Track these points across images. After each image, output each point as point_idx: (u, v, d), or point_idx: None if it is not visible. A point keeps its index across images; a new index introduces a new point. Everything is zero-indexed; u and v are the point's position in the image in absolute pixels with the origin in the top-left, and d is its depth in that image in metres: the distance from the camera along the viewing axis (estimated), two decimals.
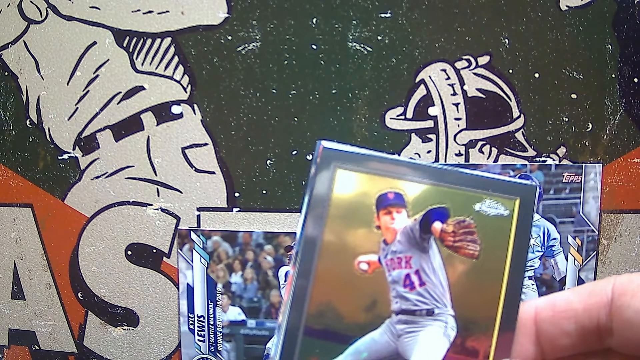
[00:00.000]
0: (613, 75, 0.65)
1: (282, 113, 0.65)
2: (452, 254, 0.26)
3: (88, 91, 0.66)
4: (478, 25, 0.63)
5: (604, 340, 0.24)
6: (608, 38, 0.64)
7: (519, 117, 0.65)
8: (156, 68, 0.65)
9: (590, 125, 0.65)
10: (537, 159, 0.66)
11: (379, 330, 0.25)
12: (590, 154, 0.66)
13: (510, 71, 0.64)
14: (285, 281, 0.67)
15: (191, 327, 0.68)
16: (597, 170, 0.66)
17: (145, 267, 0.69)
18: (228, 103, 0.65)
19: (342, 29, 0.63)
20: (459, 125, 0.65)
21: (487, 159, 0.66)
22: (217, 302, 0.68)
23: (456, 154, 0.66)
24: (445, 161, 0.66)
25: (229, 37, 0.64)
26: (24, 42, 0.66)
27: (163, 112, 0.66)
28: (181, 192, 0.67)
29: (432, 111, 0.65)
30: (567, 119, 0.65)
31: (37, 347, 0.72)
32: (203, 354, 0.69)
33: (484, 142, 0.65)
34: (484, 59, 0.64)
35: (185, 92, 0.65)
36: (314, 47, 0.64)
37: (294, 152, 0.66)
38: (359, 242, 0.26)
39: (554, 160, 0.66)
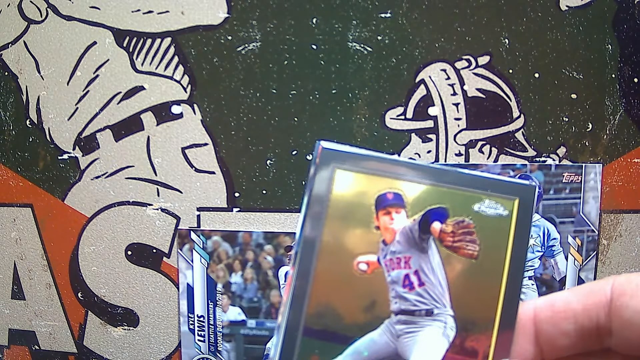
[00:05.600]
0: (613, 75, 0.65)
1: (282, 113, 0.65)
2: (451, 254, 0.26)
3: (88, 91, 0.66)
4: (478, 25, 0.63)
5: (603, 340, 0.24)
6: (608, 38, 0.64)
7: (519, 117, 0.65)
8: (156, 68, 0.65)
9: (590, 125, 0.65)
10: (537, 159, 0.66)
11: (378, 330, 0.25)
12: (590, 154, 0.66)
13: (510, 71, 0.64)
14: (285, 281, 0.67)
15: (191, 327, 0.68)
16: (597, 170, 0.66)
17: (145, 267, 0.69)
18: (228, 103, 0.65)
19: (342, 29, 0.63)
20: (459, 125, 0.65)
21: (487, 159, 0.66)
22: (217, 302, 0.68)
23: (456, 154, 0.66)
24: (445, 161, 0.66)
25: (229, 37, 0.64)
26: (24, 42, 0.66)
27: (163, 112, 0.66)
28: (181, 192, 0.67)
29: (432, 111, 0.65)
30: (567, 119, 0.65)
31: (37, 347, 0.72)
32: (203, 354, 0.69)
33: (484, 142, 0.65)
34: (484, 59, 0.64)
35: (185, 92, 0.65)
36: (314, 47, 0.64)
37: (294, 152, 0.66)
38: (358, 242, 0.26)
39: (554, 160, 0.66)
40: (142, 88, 0.66)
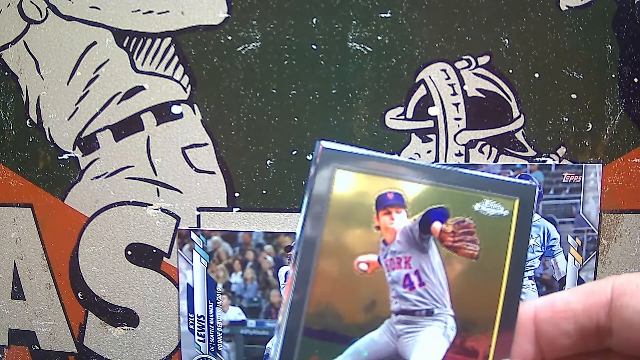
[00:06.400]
0: (613, 75, 0.65)
1: (282, 113, 0.65)
2: (452, 254, 0.26)
3: (88, 91, 0.66)
4: (478, 25, 0.63)
5: (603, 340, 0.24)
6: (608, 38, 0.64)
7: (519, 117, 0.65)
8: (156, 68, 0.65)
9: (590, 125, 0.65)
10: (537, 159, 0.66)
11: (378, 330, 0.25)
12: (590, 154, 0.66)
13: (510, 71, 0.64)
14: (285, 281, 0.67)
15: (191, 327, 0.68)
16: (597, 170, 0.66)
17: (145, 267, 0.69)
18: (228, 103, 0.65)
19: (342, 29, 0.63)
20: (459, 125, 0.65)
21: (487, 159, 0.66)
22: (217, 302, 0.68)
23: (456, 154, 0.66)
24: (445, 161, 0.66)
25: (229, 37, 0.64)
26: (24, 42, 0.66)
27: (163, 112, 0.66)
28: (181, 192, 0.67)
29: (432, 111, 0.65)
30: (567, 119, 0.65)
31: (37, 347, 0.72)
32: (203, 354, 0.69)
33: (484, 142, 0.65)
34: (484, 59, 0.64)
35: (185, 92, 0.65)
36: (314, 47, 0.64)
37: (294, 152, 0.66)
38: (359, 242, 0.26)
39: (554, 160, 0.66)
40: (142, 88, 0.66)
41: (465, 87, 0.64)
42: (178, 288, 0.68)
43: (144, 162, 0.67)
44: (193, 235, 0.67)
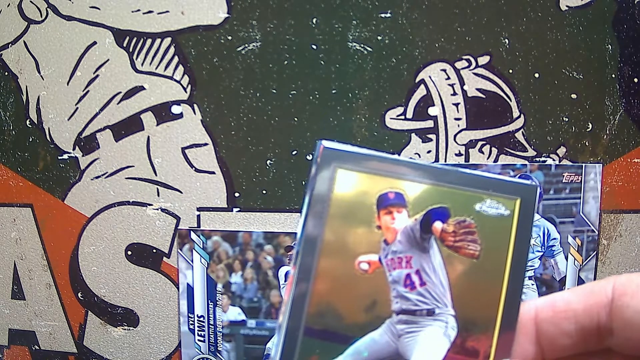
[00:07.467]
0: (613, 75, 0.65)
1: (282, 113, 0.65)
2: (453, 253, 0.26)
3: (88, 91, 0.66)
4: (478, 25, 0.63)
5: (604, 340, 0.24)
6: (608, 38, 0.64)
7: (519, 117, 0.65)
8: (156, 68, 0.65)
9: (590, 125, 0.65)
10: (537, 159, 0.66)
11: (379, 330, 0.25)
12: (590, 154, 0.66)
13: (510, 71, 0.64)
14: (285, 281, 0.67)
15: (191, 327, 0.68)
16: (597, 170, 0.66)
17: (145, 267, 0.69)
18: (228, 103, 0.65)
19: (342, 29, 0.63)
20: (459, 125, 0.65)
21: (487, 159, 0.66)
22: (217, 302, 0.68)
23: (456, 154, 0.66)
24: (445, 161, 0.66)
25: (229, 37, 0.64)
26: (24, 42, 0.66)
27: (163, 112, 0.66)
28: (181, 192, 0.67)
29: (432, 111, 0.65)
30: (567, 119, 0.65)
31: (37, 347, 0.72)
32: (203, 354, 0.69)
33: (484, 142, 0.65)
34: (484, 59, 0.64)
35: (185, 92, 0.65)
36: (314, 47, 0.64)
37: (294, 152, 0.66)
38: (360, 242, 0.26)
39: (554, 160, 0.66)
40: (142, 88, 0.66)
41: (465, 87, 0.64)
42: (178, 288, 0.68)
43: (144, 162, 0.67)
44: (193, 235, 0.67)
